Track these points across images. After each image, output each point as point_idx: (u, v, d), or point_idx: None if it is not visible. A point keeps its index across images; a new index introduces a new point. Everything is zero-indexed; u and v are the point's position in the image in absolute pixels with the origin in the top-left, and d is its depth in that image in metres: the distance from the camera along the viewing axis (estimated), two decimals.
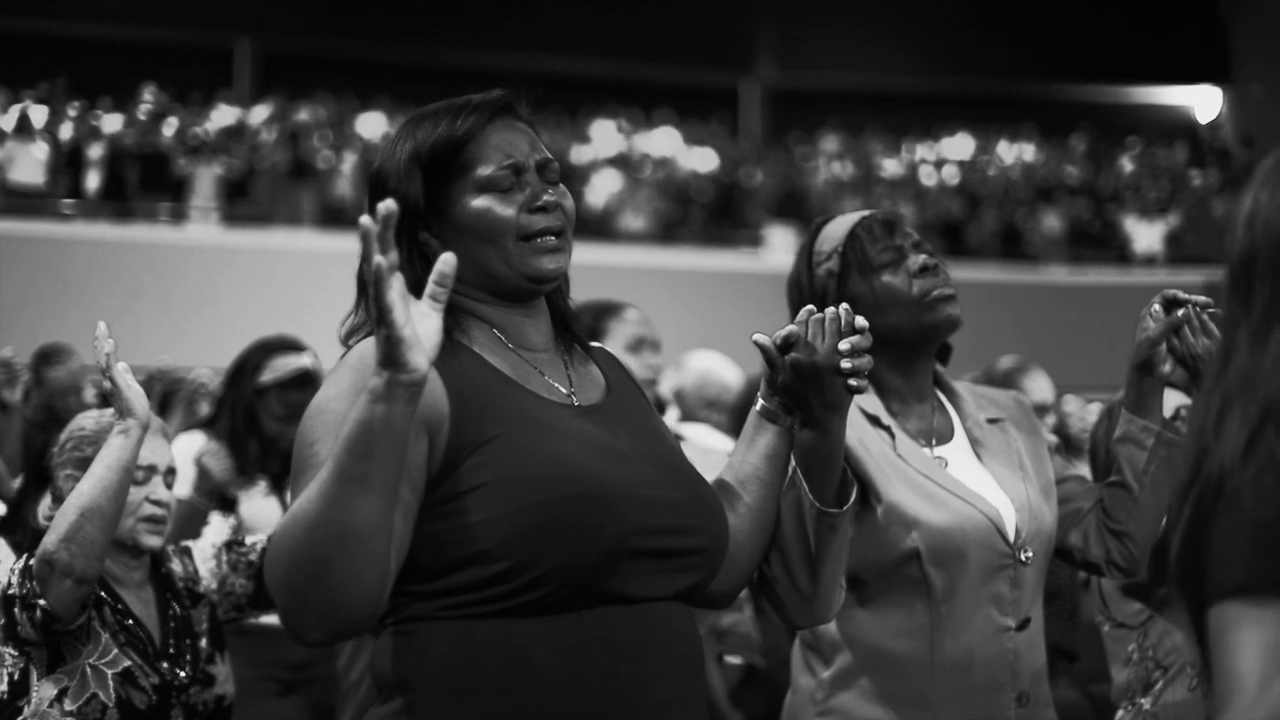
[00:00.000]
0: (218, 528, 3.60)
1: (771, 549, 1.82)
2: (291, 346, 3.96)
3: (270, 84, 18.41)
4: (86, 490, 2.38)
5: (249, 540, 2.78)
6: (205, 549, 2.76)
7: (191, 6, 18.85)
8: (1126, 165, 18.96)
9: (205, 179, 15.22)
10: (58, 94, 15.86)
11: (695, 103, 19.37)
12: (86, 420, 2.69)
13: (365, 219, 1.37)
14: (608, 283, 6.49)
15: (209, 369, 5.47)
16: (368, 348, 1.55)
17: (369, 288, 1.37)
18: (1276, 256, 1.17)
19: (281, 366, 3.86)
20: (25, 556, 2.45)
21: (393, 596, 1.54)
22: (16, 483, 4.00)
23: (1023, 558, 2.21)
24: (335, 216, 15.00)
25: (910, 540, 2.16)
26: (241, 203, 15.66)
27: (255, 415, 3.84)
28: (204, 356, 7.82)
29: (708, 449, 3.86)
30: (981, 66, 20.45)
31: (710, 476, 1.80)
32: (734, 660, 4.12)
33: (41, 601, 2.38)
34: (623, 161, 17.13)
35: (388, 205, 1.37)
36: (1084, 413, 5.03)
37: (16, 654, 2.48)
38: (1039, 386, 4.35)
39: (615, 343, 3.42)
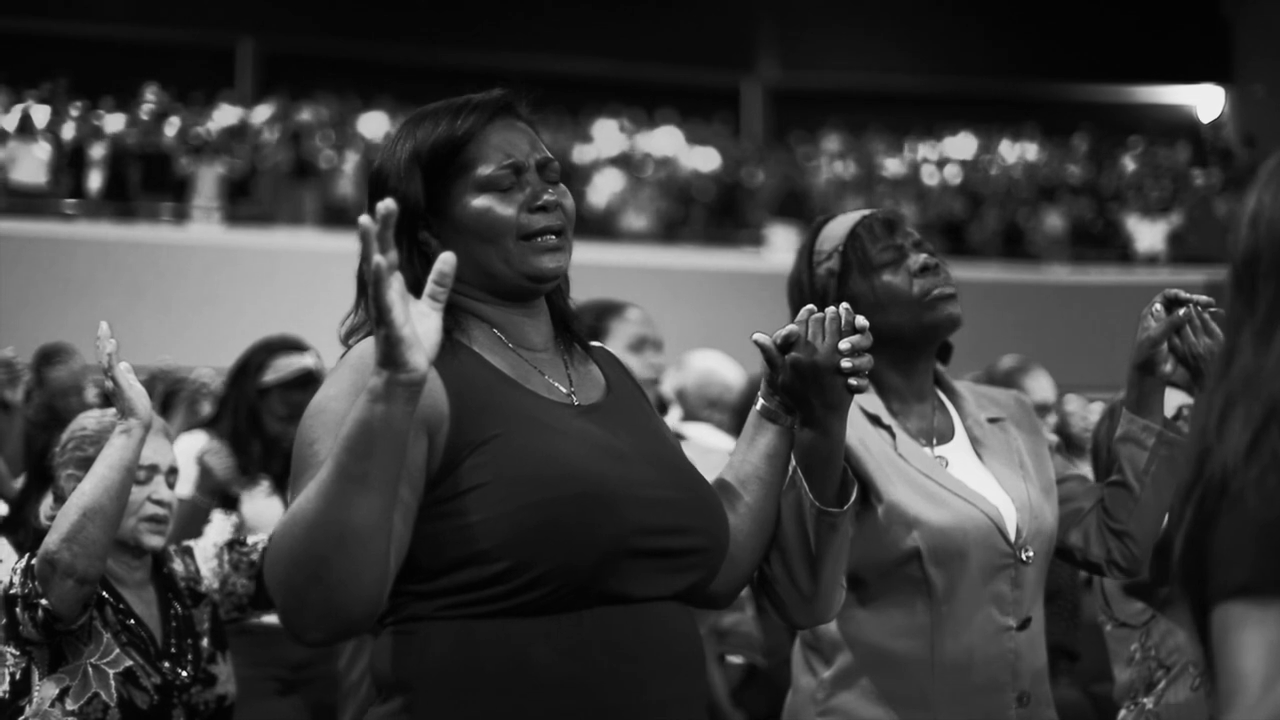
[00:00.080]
0: (220, 526, 3.60)
1: (772, 549, 1.81)
2: (294, 346, 3.96)
3: (272, 84, 18.42)
4: (88, 490, 2.38)
5: (250, 540, 2.79)
6: (207, 549, 2.76)
7: (193, 6, 18.86)
8: (1129, 165, 18.95)
9: (207, 179, 15.23)
10: (60, 94, 15.87)
11: (697, 102, 19.36)
12: (88, 420, 2.69)
13: (364, 218, 1.37)
14: (610, 282, 6.49)
15: (211, 369, 5.47)
16: (367, 347, 1.55)
17: (368, 287, 1.37)
18: None
19: (284, 366, 3.87)
20: (27, 556, 2.45)
21: (392, 596, 1.54)
22: (18, 482, 4.00)
23: (1023, 557, 2.20)
24: (337, 216, 15.00)
25: (911, 540, 2.15)
26: (243, 202, 15.67)
27: (258, 415, 3.84)
28: (206, 356, 7.82)
29: (709, 449, 3.86)
30: (984, 66, 20.44)
31: (712, 476, 1.80)
32: (735, 660, 4.12)
33: (43, 601, 2.38)
34: (625, 161, 17.13)
35: (387, 205, 1.37)
36: (1086, 412, 5.03)
37: (18, 654, 2.48)
38: (1040, 386, 4.34)
39: (617, 342, 3.42)
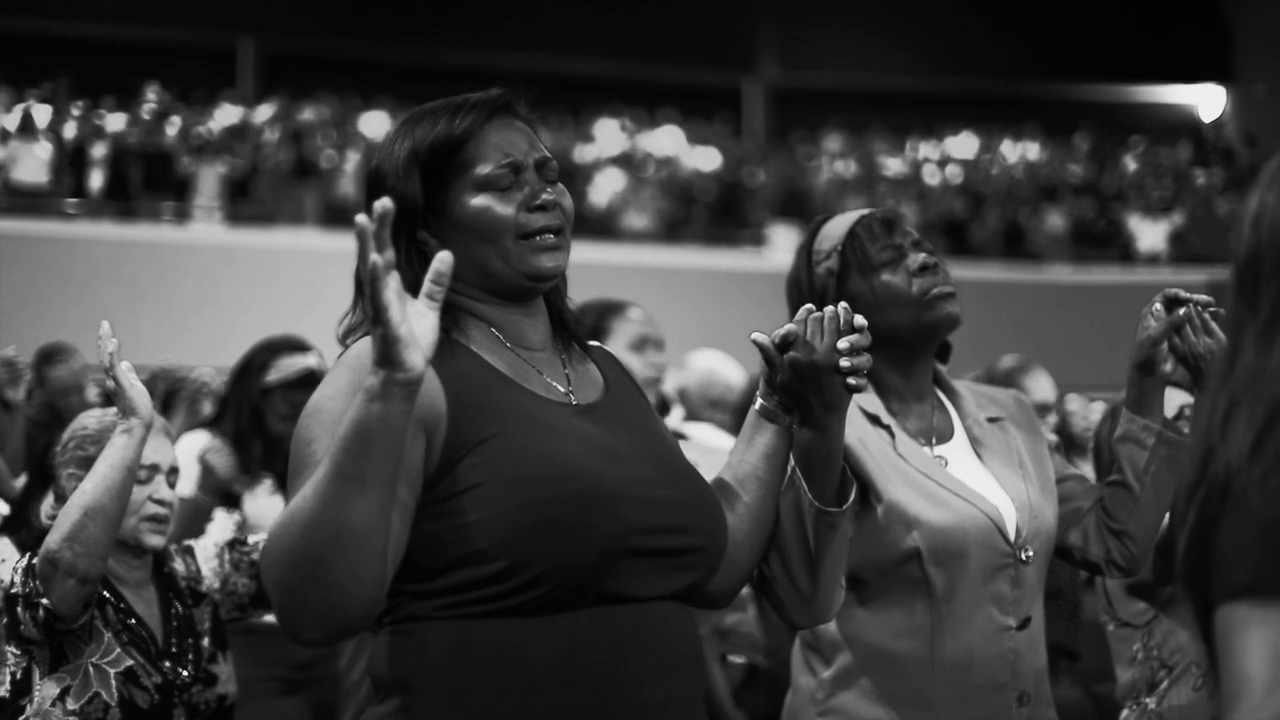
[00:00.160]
0: (222, 525, 3.60)
1: (771, 549, 1.81)
2: (297, 346, 3.97)
3: (273, 83, 18.42)
4: (89, 489, 2.38)
5: (251, 539, 2.79)
6: (208, 548, 2.76)
7: (195, 6, 18.86)
8: (1130, 164, 18.95)
9: (208, 178, 15.23)
10: (61, 93, 15.88)
11: (698, 102, 19.37)
12: (89, 419, 2.69)
13: (361, 217, 1.36)
14: (611, 282, 6.50)
15: (211, 368, 5.47)
16: (365, 347, 1.55)
17: (365, 286, 1.37)
18: None
19: (287, 366, 3.87)
20: (28, 555, 2.45)
21: (390, 596, 1.54)
22: (19, 482, 4.00)
23: (1023, 557, 2.20)
24: (338, 216, 15.00)
25: (911, 540, 2.15)
26: (245, 202, 15.67)
27: (260, 415, 3.85)
28: (207, 356, 7.82)
29: (711, 448, 3.86)
30: (985, 65, 20.44)
31: (714, 476, 1.80)
32: (737, 660, 4.12)
33: (44, 601, 2.38)
34: (626, 161, 17.13)
35: (384, 204, 1.36)
36: (1087, 412, 5.02)
37: (19, 653, 2.48)
38: (1040, 386, 4.34)
39: (619, 342, 3.42)
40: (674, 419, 4.94)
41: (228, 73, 18.94)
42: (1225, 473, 1.11)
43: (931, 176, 18.49)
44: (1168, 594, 2.77)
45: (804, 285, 2.30)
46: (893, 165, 18.60)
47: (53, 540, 2.37)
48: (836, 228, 2.31)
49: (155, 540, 2.62)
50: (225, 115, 16.42)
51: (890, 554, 2.16)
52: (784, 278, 2.38)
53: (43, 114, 15.19)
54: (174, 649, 2.58)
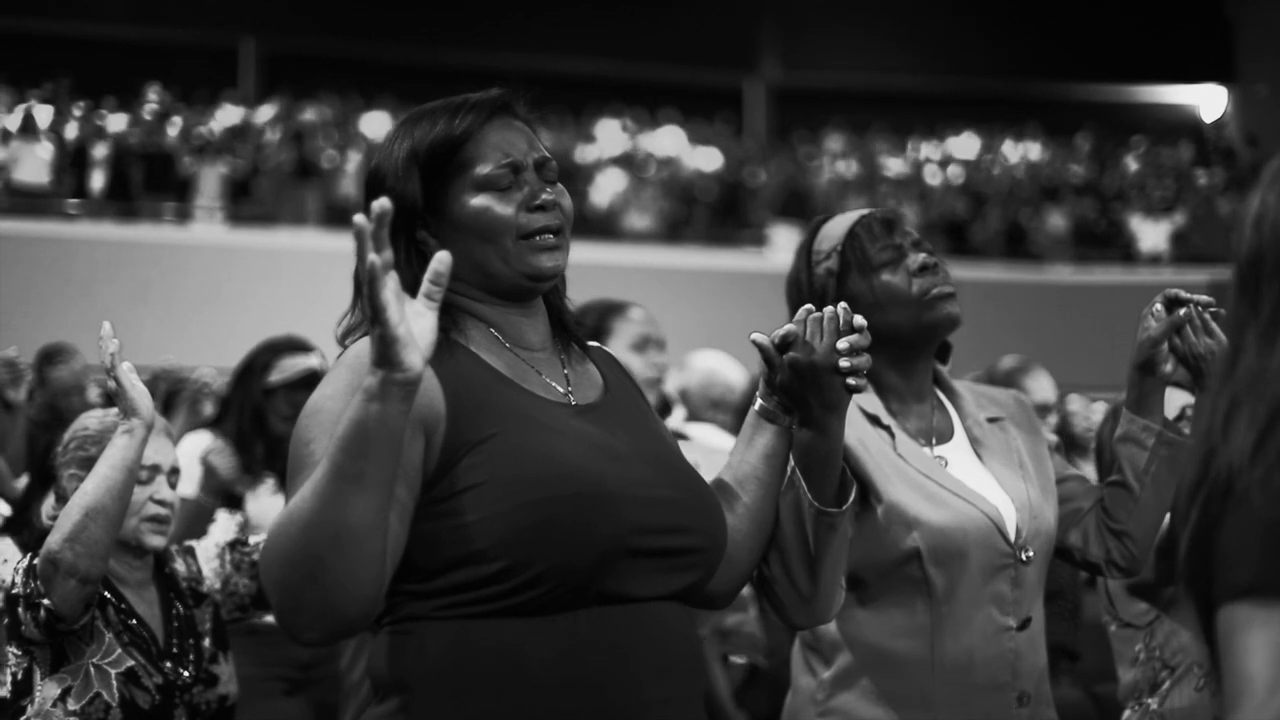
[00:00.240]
0: (224, 525, 3.60)
1: (770, 549, 1.81)
2: (300, 347, 3.97)
3: (275, 84, 18.42)
4: (91, 490, 2.38)
5: (253, 540, 2.79)
6: (209, 549, 2.76)
7: (196, 6, 18.87)
8: (1131, 164, 18.94)
9: (210, 179, 15.23)
10: (62, 94, 15.88)
11: (699, 102, 19.37)
12: (90, 420, 2.70)
13: (359, 217, 1.36)
14: (612, 282, 6.50)
15: (213, 368, 5.47)
16: (364, 347, 1.55)
17: (363, 286, 1.37)
18: None
19: (290, 367, 3.88)
20: (29, 556, 2.45)
21: (389, 596, 1.54)
22: (20, 483, 4.01)
23: (1023, 557, 2.20)
24: (340, 216, 15.00)
25: (911, 540, 2.15)
26: (246, 202, 15.67)
27: (263, 415, 3.86)
28: (208, 356, 7.82)
29: (712, 449, 3.86)
30: (986, 66, 20.44)
31: (715, 477, 1.80)
32: (738, 660, 4.12)
33: (45, 601, 2.38)
34: (627, 161, 17.13)
35: (382, 204, 1.36)
36: (1088, 412, 5.02)
37: (20, 653, 2.48)
38: (1041, 386, 4.34)
39: (620, 342, 3.42)
40: (675, 419, 4.94)
41: (229, 73, 18.95)
42: (1227, 473, 1.11)
43: (933, 177, 18.49)
44: (1169, 594, 2.77)
45: (804, 285, 2.30)
46: (894, 165, 18.60)
47: (54, 541, 2.37)
48: (836, 228, 2.31)
49: (156, 541, 2.62)
50: (226, 115, 16.42)
51: (890, 554, 2.16)
52: (785, 278, 2.37)
53: (44, 114, 15.19)
54: (175, 649, 2.58)
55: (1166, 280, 10.90)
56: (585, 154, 17.19)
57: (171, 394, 5.85)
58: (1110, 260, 17.10)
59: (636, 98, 18.82)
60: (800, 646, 2.31)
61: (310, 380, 3.81)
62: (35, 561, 2.40)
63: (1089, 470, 3.72)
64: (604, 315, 3.51)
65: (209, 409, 4.92)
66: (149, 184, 15.20)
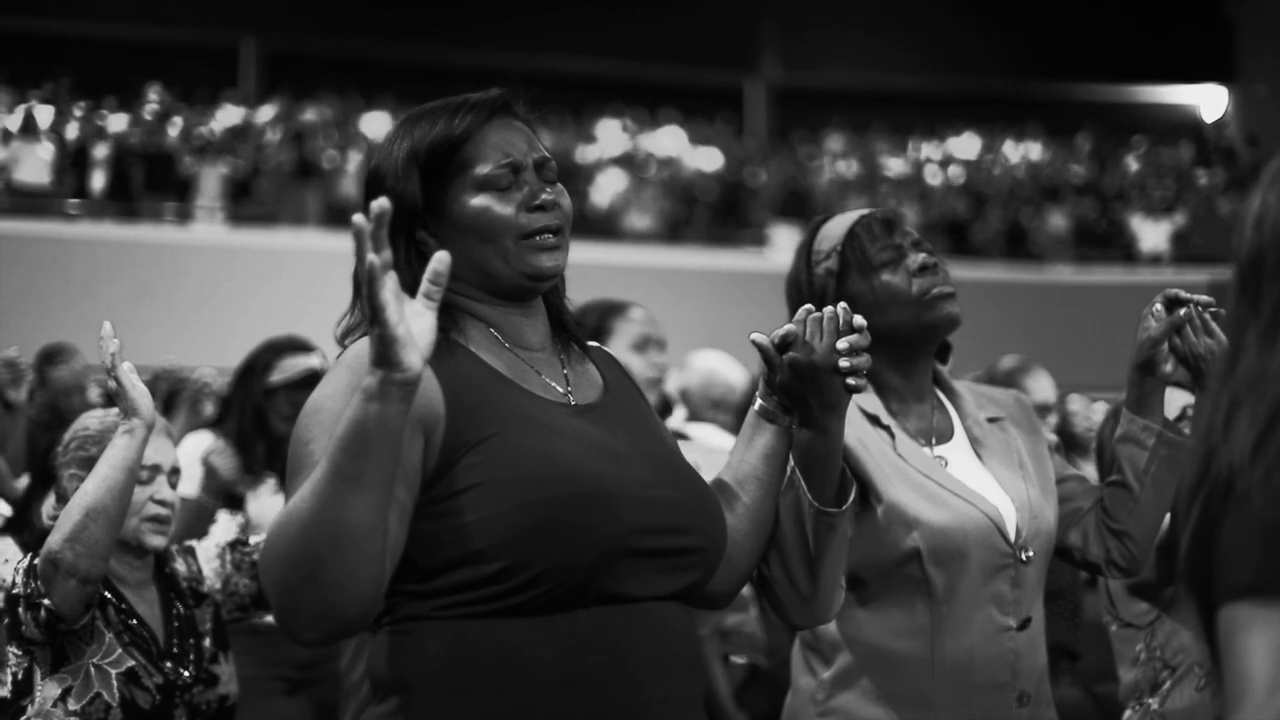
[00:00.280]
0: (225, 526, 3.60)
1: (770, 549, 1.81)
2: (301, 347, 3.98)
3: (275, 84, 18.43)
4: (91, 490, 2.38)
5: (253, 540, 2.79)
6: (209, 549, 2.76)
7: (196, 6, 18.87)
8: (1132, 164, 18.95)
9: (210, 179, 15.24)
10: (63, 94, 15.89)
11: (700, 102, 19.37)
12: (91, 420, 2.70)
13: (358, 217, 1.36)
14: (613, 282, 6.50)
15: (213, 368, 5.48)
16: (363, 347, 1.54)
17: (362, 286, 1.37)
18: None
19: (291, 367, 3.89)
20: (30, 556, 2.45)
21: (388, 596, 1.54)
22: (21, 483, 4.01)
23: (1023, 557, 2.20)
24: (340, 216, 15.00)
25: (911, 540, 2.15)
26: (246, 202, 15.68)
27: (264, 415, 3.86)
28: (208, 356, 7.82)
29: (713, 449, 3.86)
30: (987, 65, 20.44)
31: (714, 477, 1.80)
32: (739, 660, 4.12)
33: (46, 601, 2.38)
34: (628, 161, 17.13)
35: (381, 203, 1.36)
36: (1089, 412, 5.02)
37: (20, 653, 2.48)
38: (1041, 386, 4.34)
39: (621, 342, 3.42)
40: (676, 419, 4.94)
41: (230, 73, 18.95)
42: (1228, 473, 1.11)
43: (933, 177, 18.49)
44: (1170, 594, 2.77)
45: (803, 285, 2.30)
46: (895, 165, 18.60)
47: (54, 541, 2.37)
48: (836, 228, 2.31)
49: (156, 541, 2.62)
50: (227, 115, 16.43)
51: (890, 554, 2.16)
52: (785, 278, 2.37)
53: (45, 114, 15.20)
54: (175, 649, 2.58)
55: (1167, 280, 10.90)
56: (586, 154, 17.20)
57: (172, 394, 5.85)
58: (1111, 260, 17.10)
59: (637, 98, 18.83)
60: (800, 646, 2.31)
61: (311, 380, 3.81)
62: (35, 561, 2.40)
63: (1090, 470, 3.72)
64: (605, 315, 3.51)
65: (209, 409, 4.93)
66: (149, 184, 15.21)
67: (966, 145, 19.57)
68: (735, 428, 4.53)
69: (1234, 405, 1.14)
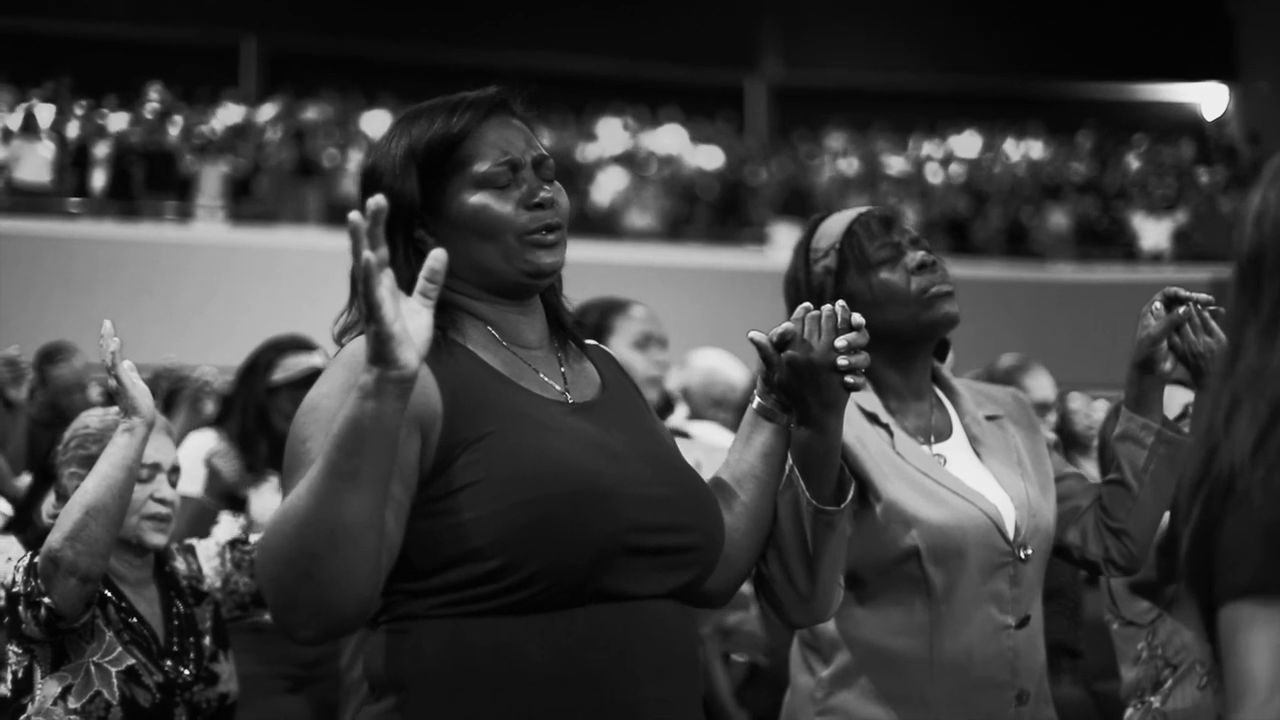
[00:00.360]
0: (228, 527, 3.61)
1: (769, 548, 1.81)
2: (303, 346, 3.98)
3: (276, 82, 18.43)
4: (91, 488, 2.38)
5: (253, 539, 2.79)
6: (209, 547, 2.76)
7: (197, 5, 18.87)
8: (1133, 162, 18.94)
9: (211, 177, 15.24)
10: (63, 92, 15.88)
11: (701, 100, 19.37)
12: (91, 418, 2.70)
13: (355, 215, 1.37)
14: (614, 280, 6.49)
15: (213, 367, 5.48)
16: (360, 345, 1.55)
17: (358, 284, 1.37)
18: None
19: (293, 366, 3.89)
20: (30, 554, 2.45)
21: (385, 595, 1.54)
22: (21, 481, 4.01)
23: (1022, 555, 2.20)
24: (341, 215, 14.96)
25: (909, 538, 2.15)
26: (247, 201, 15.67)
27: (266, 414, 3.86)
28: (209, 355, 7.82)
29: (714, 447, 3.86)
30: (988, 64, 20.43)
31: (713, 475, 1.80)
32: (739, 659, 4.12)
33: (46, 599, 2.38)
34: (628, 159, 17.13)
35: (377, 201, 1.36)
36: (1089, 410, 5.02)
37: (21, 652, 2.48)
38: (1040, 385, 4.34)
39: (622, 340, 3.42)
40: (677, 417, 4.94)
41: (230, 72, 18.95)
42: (1228, 471, 1.11)
43: (934, 175, 18.48)
44: (1171, 593, 2.77)
45: (802, 283, 2.29)
46: (895, 164, 18.59)
47: (54, 539, 2.37)
48: (834, 226, 2.31)
49: (157, 539, 2.62)
50: (228, 114, 16.43)
51: (889, 553, 2.16)
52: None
53: (45, 113, 15.20)
54: (175, 648, 2.58)
55: (1168, 278, 10.89)
56: (586, 152, 17.19)
57: (172, 392, 5.85)
58: (1112, 258, 17.09)
59: (638, 96, 18.83)
60: (799, 645, 2.31)
61: (314, 379, 3.80)
62: (36, 560, 2.41)
63: (1091, 468, 3.72)
64: (606, 313, 3.51)
65: (209, 407, 4.93)
66: (150, 183, 15.21)
67: (967, 143, 19.57)
68: (736, 426, 4.52)
69: (1234, 403, 1.14)
